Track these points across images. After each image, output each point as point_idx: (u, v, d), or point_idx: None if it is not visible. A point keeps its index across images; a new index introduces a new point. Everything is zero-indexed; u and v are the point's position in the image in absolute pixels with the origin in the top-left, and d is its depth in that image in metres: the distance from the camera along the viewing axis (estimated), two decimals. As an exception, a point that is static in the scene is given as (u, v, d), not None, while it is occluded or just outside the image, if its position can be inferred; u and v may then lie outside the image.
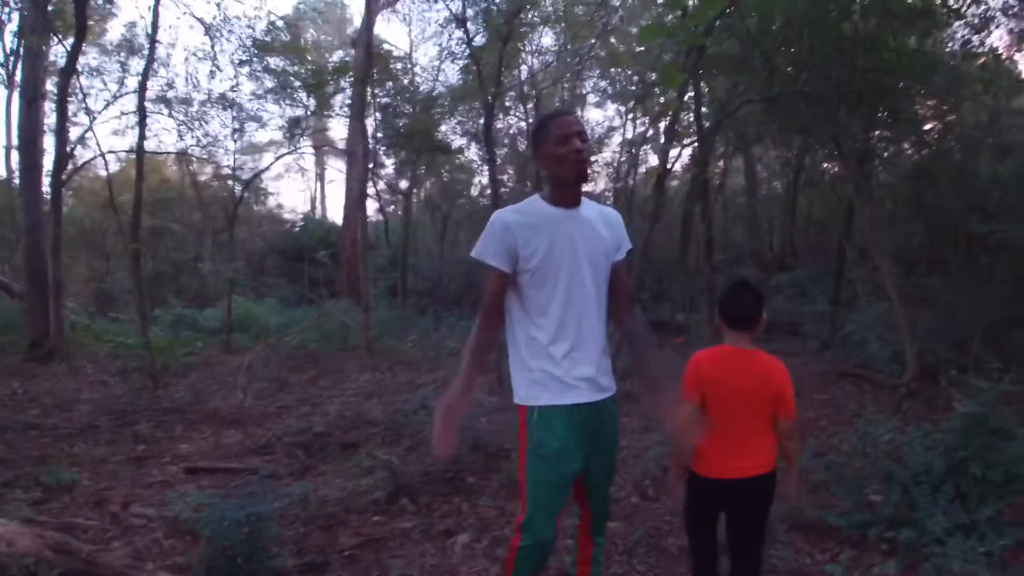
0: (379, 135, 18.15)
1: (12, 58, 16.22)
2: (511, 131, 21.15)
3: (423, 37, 31.19)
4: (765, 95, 9.53)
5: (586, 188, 2.87)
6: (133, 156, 14.57)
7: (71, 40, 11.57)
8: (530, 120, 18.99)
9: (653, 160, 23.12)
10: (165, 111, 18.19)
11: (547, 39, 20.50)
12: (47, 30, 12.45)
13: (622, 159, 22.63)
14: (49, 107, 14.40)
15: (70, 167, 14.64)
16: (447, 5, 14.42)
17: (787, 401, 3.01)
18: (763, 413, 2.98)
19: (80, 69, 14.33)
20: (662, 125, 19.71)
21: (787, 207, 19.65)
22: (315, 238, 23.50)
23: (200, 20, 15.62)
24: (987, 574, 3.50)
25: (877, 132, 10.54)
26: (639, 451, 6.56)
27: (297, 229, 25.67)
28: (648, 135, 21.48)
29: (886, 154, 11.24)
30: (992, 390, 4.33)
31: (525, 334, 2.79)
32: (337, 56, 25.03)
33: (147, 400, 8.75)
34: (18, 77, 14.94)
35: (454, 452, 2.84)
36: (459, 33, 14.87)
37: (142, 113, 11.93)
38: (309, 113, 19.27)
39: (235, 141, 19.54)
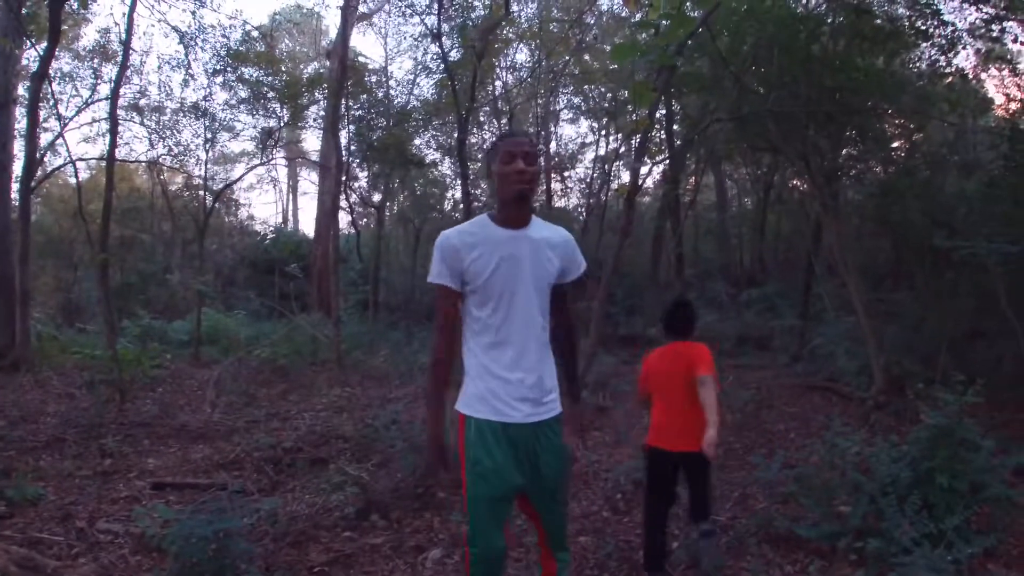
0: (353, 147, 18.11)
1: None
2: (484, 146, 21.20)
3: (398, 50, 31.33)
4: (735, 114, 9.65)
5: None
6: (103, 164, 14.45)
7: (44, 44, 11.44)
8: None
9: (626, 176, 23.31)
10: (137, 119, 18.10)
11: (522, 55, 20.66)
12: (20, 33, 12.30)
13: (595, 175, 22.77)
14: (20, 112, 14.23)
15: (40, 173, 14.45)
16: (422, 20, 14.49)
17: (699, 363, 3.93)
18: (687, 388, 3.93)
19: (52, 74, 14.18)
20: (634, 142, 19.93)
21: (757, 223, 19.89)
22: (286, 251, 23.34)
23: (175, 28, 15.51)
24: (955, 583, 3.57)
25: (845, 150, 10.71)
26: (610, 465, 6.58)
27: (268, 241, 25.48)
28: (620, 152, 21.67)
29: (853, 172, 11.42)
30: (957, 402, 4.39)
31: (471, 349, 2.83)
32: (312, 68, 24.98)
33: (114, 413, 8.62)
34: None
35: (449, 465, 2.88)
36: (434, 48, 14.94)
37: (114, 120, 11.78)
38: (282, 124, 19.19)
39: (207, 151, 19.45)
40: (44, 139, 15.72)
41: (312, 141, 29.09)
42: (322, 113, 18.86)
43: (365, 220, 26.10)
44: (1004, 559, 4.20)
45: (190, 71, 16.64)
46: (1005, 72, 11.78)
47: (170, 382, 11.25)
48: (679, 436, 3.94)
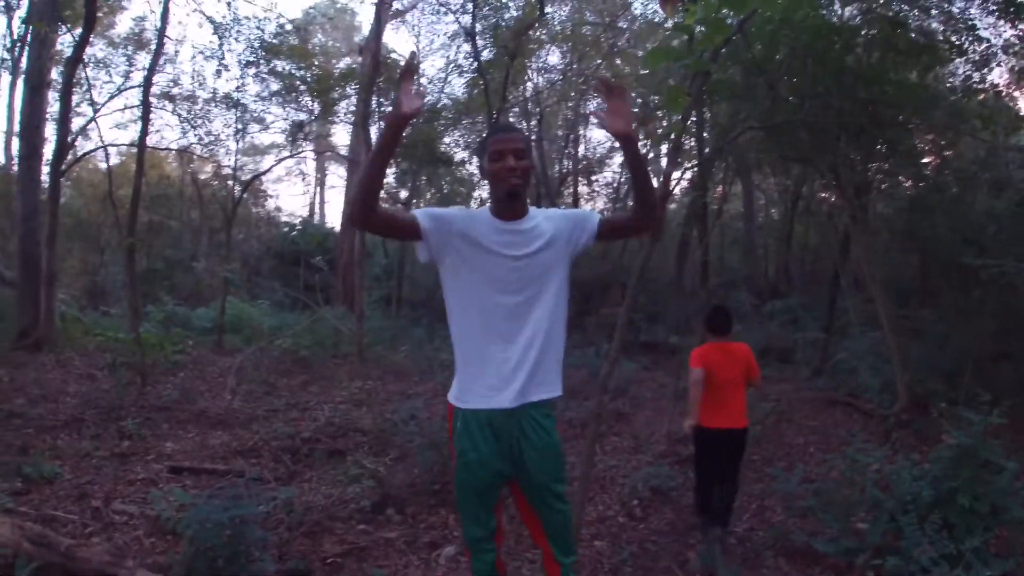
0: (382, 143, 18.12)
1: (19, 44, 16.21)
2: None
3: (431, 48, 31.29)
4: (767, 122, 9.57)
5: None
6: (134, 150, 14.56)
7: (79, 30, 11.55)
8: (532, 137, 19.03)
9: (653, 182, 23.17)
10: (169, 107, 18.21)
11: (553, 57, 20.63)
12: (55, 18, 12.43)
13: (622, 179, 22.68)
14: (53, 96, 14.38)
15: (70, 157, 14.58)
16: (457, 18, 14.50)
17: (754, 367, 5.13)
18: (739, 379, 4.99)
19: (86, 60, 14.31)
20: (663, 148, 19.82)
21: (783, 235, 19.73)
22: (312, 243, 23.43)
23: (210, 19, 15.60)
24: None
25: (875, 164, 10.61)
26: (627, 471, 6.56)
27: (295, 233, 25.59)
28: (649, 157, 21.57)
29: (884, 186, 11.30)
30: (982, 422, 4.33)
31: (456, 335, 2.84)
32: (344, 63, 25.06)
33: (134, 396, 8.68)
34: (23, 64, 14.91)
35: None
36: (467, 47, 14.95)
37: (146, 108, 11.88)
38: (313, 118, 19.27)
39: (237, 141, 19.56)
40: (76, 123, 15.86)
41: (342, 135, 29.17)
42: (352, 108, 18.89)
43: (391, 216, 26.12)
44: (1022, 584, 4.13)
45: (223, 62, 16.75)
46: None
47: (191, 368, 11.32)
48: (727, 417, 4.90)
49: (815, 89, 9.09)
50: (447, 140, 20.19)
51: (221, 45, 16.05)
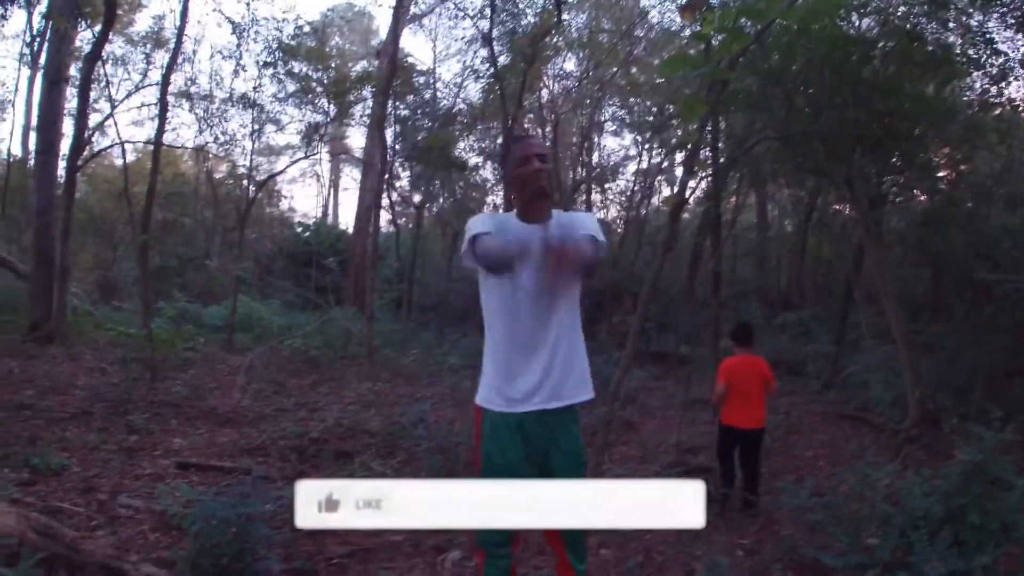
0: (397, 147, 18.19)
1: (38, 40, 16.33)
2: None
3: (447, 53, 31.43)
4: (782, 133, 9.54)
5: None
6: (150, 147, 14.64)
7: (98, 27, 11.63)
8: (547, 143, 19.04)
9: (667, 191, 23.18)
10: (186, 106, 18.32)
11: (570, 64, 20.65)
12: (75, 14, 12.52)
13: (635, 188, 22.68)
14: (71, 92, 14.49)
15: (86, 153, 14.68)
16: (475, 23, 14.53)
17: (771, 375, 6.03)
18: (759, 387, 5.91)
19: (105, 57, 14.41)
20: (678, 157, 19.79)
21: (796, 247, 19.66)
22: (325, 244, 23.51)
23: (229, 19, 15.71)
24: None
25: (890, 176, 10.56)
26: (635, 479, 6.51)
27: (308, 234, 25.67)
28: (663, 166, 21.54)
29: (898, 199, 11.24)
30: (993, 438, 4.29)
31: (489, 337, 2.89)
32: (360, 66, 25.15)
33: (144, 391, 8.70)
34: (42, 59, 15.02)
35: None
36: (484, 52, 14.98)
37: (163, 106, 11.96)
38: (328, 120, 19.34)
39: (253, 142, 19.66)
40: (93, 120, 15.98)
41: (357, 138, 29.29)
42: (368, 111, 18.96)
43: (404, 219, 26.23)
44: (1032, 603, 4.09)
45: (241, 62, 16.85)
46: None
47: (202, 365, 11.35)
48: (748, 418, 5.88)
49: (831, 100, 9.05)
50: (462, 145, 20.26)
51: (239, 45, 16.21)
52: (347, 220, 39.99)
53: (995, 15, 9.43)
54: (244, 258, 18.71)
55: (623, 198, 23.61)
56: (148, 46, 17.93)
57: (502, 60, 13.99)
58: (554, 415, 2.78)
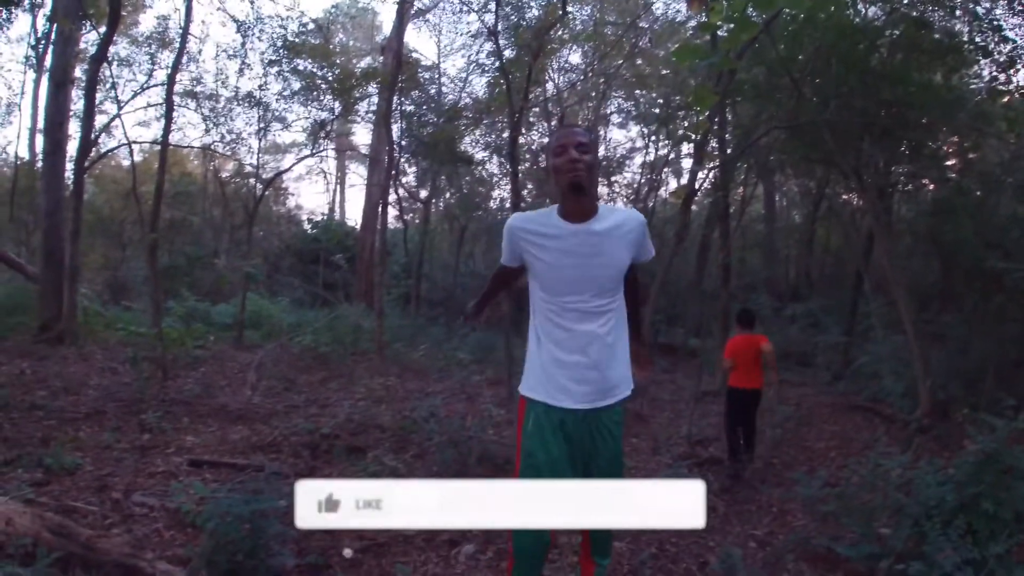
0: (403, 142, 18.18)
1: (43, 42, 16.36)
2: (533, 147, 21.19)
3: (452, 48, 31.44)
4: (790, 123, 9.52)
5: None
6: (157, 147, 14.67)
7: (103, 28, 11.65)
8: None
9: (674, 183, 23.12)
10: (192, 105, 18.34)
11: (575, 57, 20.59)
12: (80, 16, 12.54)
13: (642, 180, 22.62)
14: (77, 93, 14.51)
15: (93, 154, 14.72)
16: (479, 17, 14.51)
17: (764, 340, 7.00)
18: (758, 359, 6.91)
19: (110, 58, 14.44)
20: (684, 148, 19.75)
21: (805, 237, 19.60)
22: (332, 240, 23.54)
23: (233, 17, 15.72)
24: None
25: (899, 166, 10.52)
26: (647, 472, 6.55)
27: (315, 231, 25.71)
28: (670, 158, 21.48)
29: (907, 188, 11.20)
30: (1006, 427, 4.28)
31: (536, 330, 2.83)
32: (365, 62, 25.16)
33: (155, 390, 8.73)
34: (48, 61, 15.06)
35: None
36: (489, 46, 14.95)
37: (169, 105, 11.99)
38: (334, 117, 19.34)
39: (259, 140, 19.67)
40: (100, 121, 16.00)
41: (362, 134, 29.28)
42: (374, 107, 18.96)
43: (411, 215, 26.24)
44: (1046, 592, 4.07)
45: (246, 60, 16.87)
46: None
47: (212, 363, 11.38)
48: (748, 381, 6.95)
49: (839, 89, 9.03)
50: (468, 139, 20.22)
51: (244, 44, 16.21)
52: (354, 216, 40.00)
53: (1002, 2, 9.37)
54: (252, 256, 18.73)
55: (630, 191, 23.55)
56: (153, 46, 17.92)
57: (507, 54, 13.95)
58: (597, 415, 2.75)
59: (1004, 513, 4.10)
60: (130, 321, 12.79)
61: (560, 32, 16.47)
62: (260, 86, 17.93)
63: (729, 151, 12.25)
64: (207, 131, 19.01)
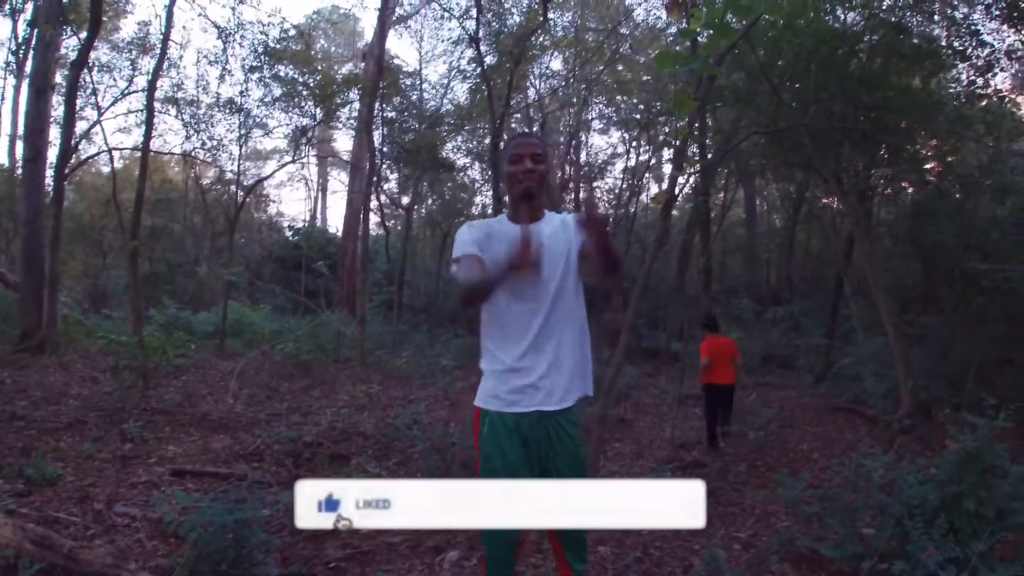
0: (384, 149, 18.16)
1: (24, 47, 16.23)
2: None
3: (433, 54, 31.48)
4: (770, 128, 9.58)
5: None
6: (137, 154, 14.58)
7: (84, 34, 11.57)
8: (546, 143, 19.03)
9: (655, 188, 23.21)
10: (172, 111, 18.21)
11: (556, 63, 20.66)
12: (60, 21, 12.45)
13: (623, 186, 22.70)
14: (57, 99, 14.41)
15: (74, 160, 14.60)
16: (461, 23, 14.52)
17: (737, 351, 8.23)
18: (729, 358, 8.01)
19: (91, 64, 14.34)
20: (665, 154, 19.84)
21: (785, 241, 19.73)
22: (314, 247, 23.47)
23: (214, 24, 15.65)
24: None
25: (878, 169, 10.61)
26: (631, 477, 6.54)
27: (297, 238, 25.62)
28: (651, 163, 21.57)
29: (886, 191, 11.29)
30: (987, 426, 4.32)
31: (485, 340, 2.85)
32: (347, 68, 25.12)
33: (137, 399, 8.66)
34: (28, 67, 14.94)
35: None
36: (470, 52, 14.97)
37: (150, 112, 11.94)
38: (315, 123, 19.28)
39: (240, 146, 19.56)
40: (80, 127, 15.86)
41: (344, 141, 29.25)
42: (355, 114, 18.92)
43: (393, 221, 26.20)
44: (1028, 589, 4.11)
45: (227, 67, 16.78)
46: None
47: (194, 371, 11.31)
48: (722, 378, 7.92)
49: (818, 95, 9.10)
50: (449, 146, 20.24)
51: (225, 50, 16.12)
52: (336, 223, 39.98)
53: (980, 7, 9.49)
54: (234, 263, 18.63)
55: (611, 196, 23.63)
56: (134, 52, 17.80)
57: (488, 60, 13.99)
58: (552, 417, 2.75)
59: (986, 511, 4.13)
60: (111, 330, 12.67)
61: (541, 38, 16.53)
62: (241, 92, 17.83)
63: (709, 156, 12.31)
64: (188, 137, 18.88)
